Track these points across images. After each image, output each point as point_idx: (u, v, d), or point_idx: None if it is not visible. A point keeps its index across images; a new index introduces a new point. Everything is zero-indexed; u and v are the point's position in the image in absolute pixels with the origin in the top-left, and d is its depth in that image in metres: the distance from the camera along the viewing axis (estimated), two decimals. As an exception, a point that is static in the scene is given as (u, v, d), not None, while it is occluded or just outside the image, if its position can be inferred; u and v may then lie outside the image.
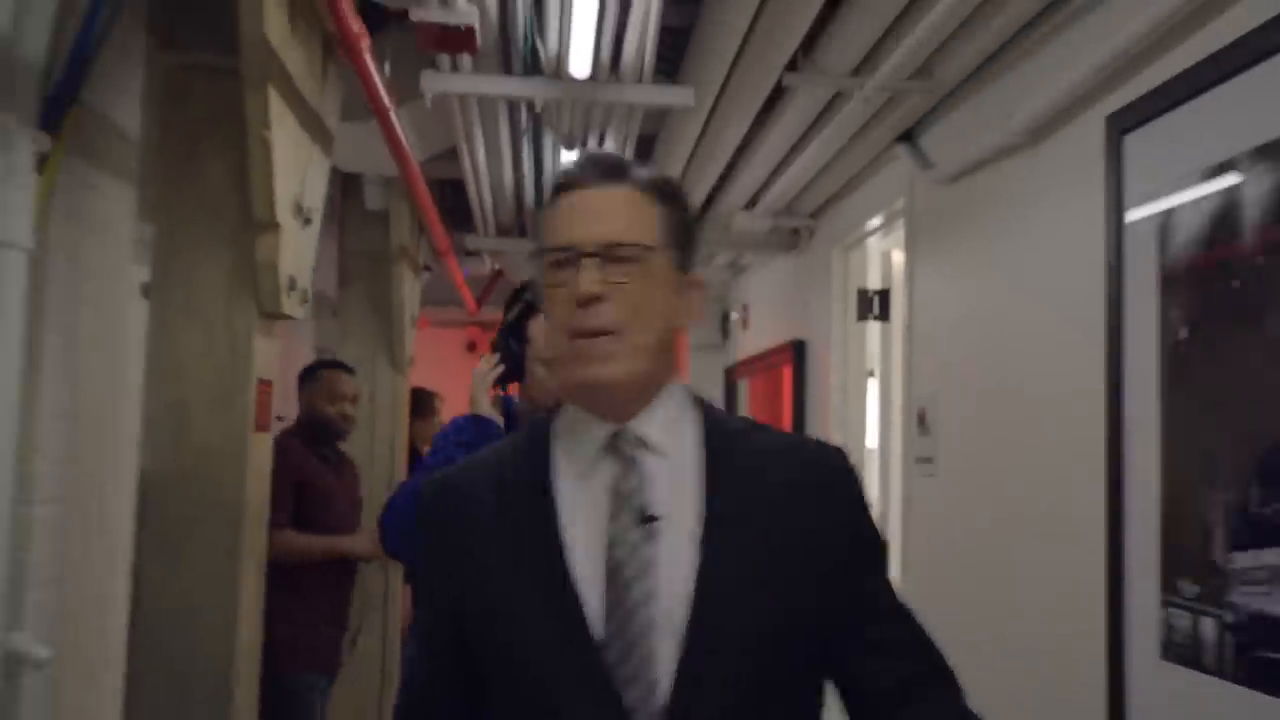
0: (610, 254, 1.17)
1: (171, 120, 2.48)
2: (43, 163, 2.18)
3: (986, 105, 2.78)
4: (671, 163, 3.64)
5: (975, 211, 2.88)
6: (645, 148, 3.78)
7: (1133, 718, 1.98)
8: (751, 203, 4.36)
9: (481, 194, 4.16)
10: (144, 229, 2.74)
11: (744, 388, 6.21)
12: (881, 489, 3.93)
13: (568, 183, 1.23)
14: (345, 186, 4.83)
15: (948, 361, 3.07)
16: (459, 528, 1.21)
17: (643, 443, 1.21)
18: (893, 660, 1.21)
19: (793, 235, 4.77)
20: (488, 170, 3.85)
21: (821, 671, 1.23)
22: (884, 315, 4.10)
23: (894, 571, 3.35)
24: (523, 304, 2.14)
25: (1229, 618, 1.72)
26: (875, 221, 3.81)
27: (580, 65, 2.55)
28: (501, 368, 2.15)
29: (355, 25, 2.14)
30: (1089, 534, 2.13)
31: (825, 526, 1.21)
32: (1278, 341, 1.63)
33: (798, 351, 4.75)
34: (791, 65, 2.84)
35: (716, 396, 6.63)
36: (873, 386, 4.17)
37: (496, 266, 6.00)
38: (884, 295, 4.11)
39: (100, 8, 2.10)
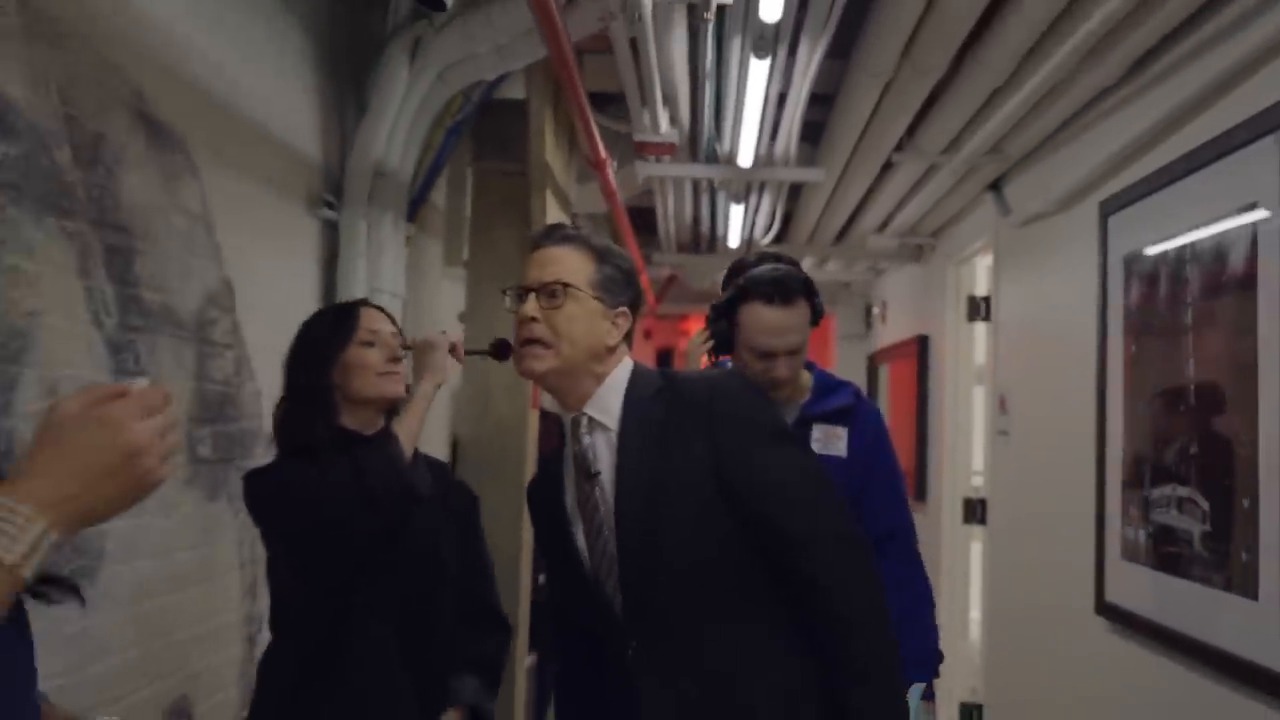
0: (545, 290, 1.63)
1: (479, 204, 3.77)
2: (407, 240, 3.48)
3: (1042, 175, 3.81)
4: (811, 208, 4.77)
5: (1035, 251, 3.91)
6: (793, 194, 4.91)
7: (1108, 595, 3.05)
8: (882, 227, 5.44)
9: (668, 225, 5.38)
10: (450, 273, 4.06)
11: (885, 372, 7.26)
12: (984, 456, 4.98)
13: (535, 244, 1.71)
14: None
15: (1021, 357, 4.12)
16: (533, 498, 1.81)
17: (590, 420, 1.67)
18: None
19: (918, 249, 5.81)
20: (674, 211, 5.06)
21: (753, 557, 1.63)
22: (988, 316, 5.12)
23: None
24: (736, 288, 2.23)
25: (1150, 529, 2.77)
26: (977, 244, 4.84)
27: (745, 158, 3.71)
28: (711, 341, 2.30)
29: (602, 153, 3.35)
30: (1086, 481, 3.19)
31: (698, 437, 1.63)
32: (1175, 356, 2.68)
33: (921, 344, 5.80)
34: (899, 146, 3.93)
35: (860, 378, 7.72)
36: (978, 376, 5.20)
37: (671, 274, 7.21)
38: (989, 301, 5.13)
39: (449, 142, 3.37)
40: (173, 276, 2.24)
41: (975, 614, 4.94)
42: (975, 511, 4.87)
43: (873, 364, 7.50)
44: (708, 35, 2.81)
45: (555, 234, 1.73)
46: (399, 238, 3.34)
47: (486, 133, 3.67)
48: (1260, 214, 2.26)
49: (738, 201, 4.35)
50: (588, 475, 1.67)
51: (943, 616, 4.82)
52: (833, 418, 2.32)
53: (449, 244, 3.98)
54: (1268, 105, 2.24)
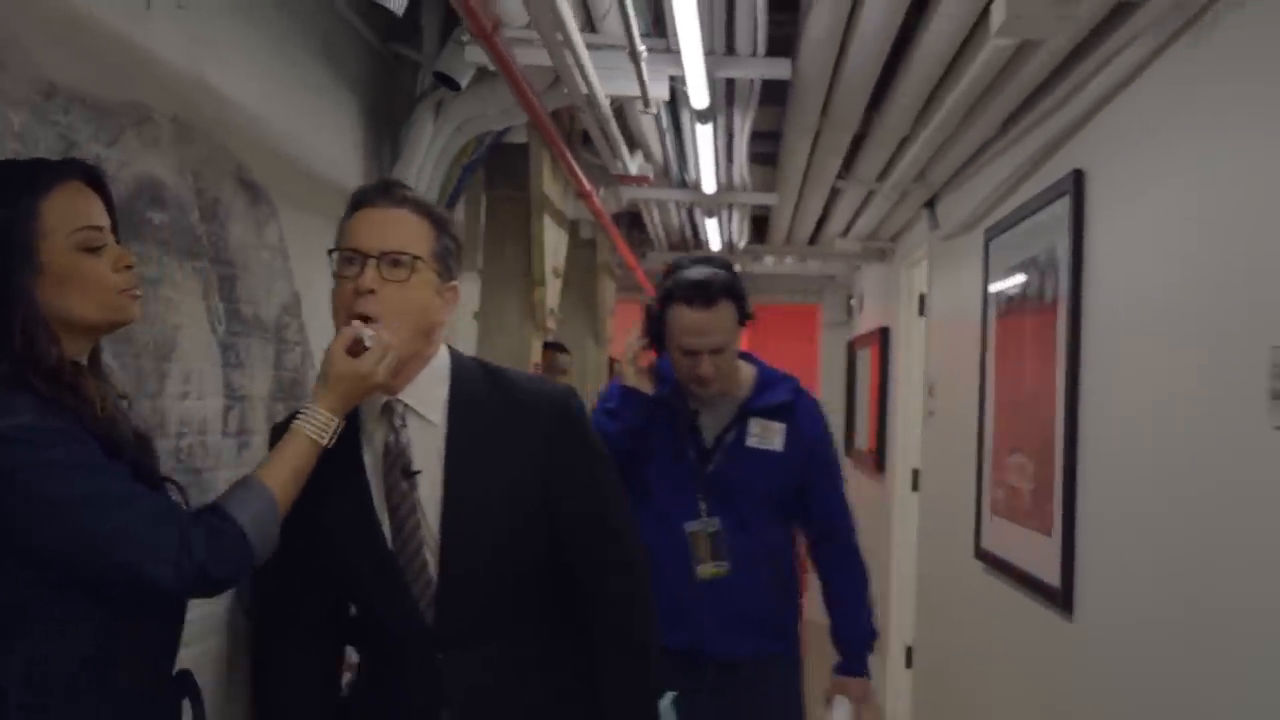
0: (388, 258, 1.55)
1: (491, 223, 4.60)
2: (432, 253, 4.31)
3: (957, 201, 4.58)
4: (781, 217, 5.58)
5: (953, 261, 4.70)
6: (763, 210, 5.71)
7: (983, 543, 3.85)
8: (846, 232, 6.22)
9: (657, 229, 6.21)
10: (468, 277, 4.89)
11: (863, 356, 8.05)
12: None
13: (366, 200, 1.65)
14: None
15: (943, 349, 4.91)
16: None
17: (407, 408, 1.60)
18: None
19: (881, 251, 6.59)
20: (660, 220, 5.88)
21: (557, 569, 1.71)
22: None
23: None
24: (663, 291, 2.34)
25: (1005, 489, 3.57)
26: (920, 252, 5.62)
27: (709, 186, 4.52)
28: (647, 340, 2.38)
29: (586, 186, 4.17)
30: (974, 452, 3.99)
31: (532, 450, 1.63)
32: (1020, 354, 3.47)
33: (884, 335, 6.59)
34: (841, 175, 4.72)
35: (841, 362, 8.52)
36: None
37: (666, 268, 8.02)
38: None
39: (465, 177, 4.19)
40: (260, 294, 3.08)
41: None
42: (919, 481, 5.68)
43: (851, 349, 8.29)
44: (661, 112, 3.61)
45: (394, 193, 1.67)
46: (425, 252, 4.16)
47: (497, 167, 4.49)
48: (1062, 252, 3.04)
49: (710, 216, 5.16)
50: (405, 472, 1.60)
51: (895, 574, 5.67)
52: (771, 413, 2.41)
53: (466, 253, 4.81)
54: (1066, 173, 3.02)
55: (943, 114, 3.49)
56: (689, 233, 6.37)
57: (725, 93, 3.45)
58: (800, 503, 2.46)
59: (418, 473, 1.61)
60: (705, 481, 2.39)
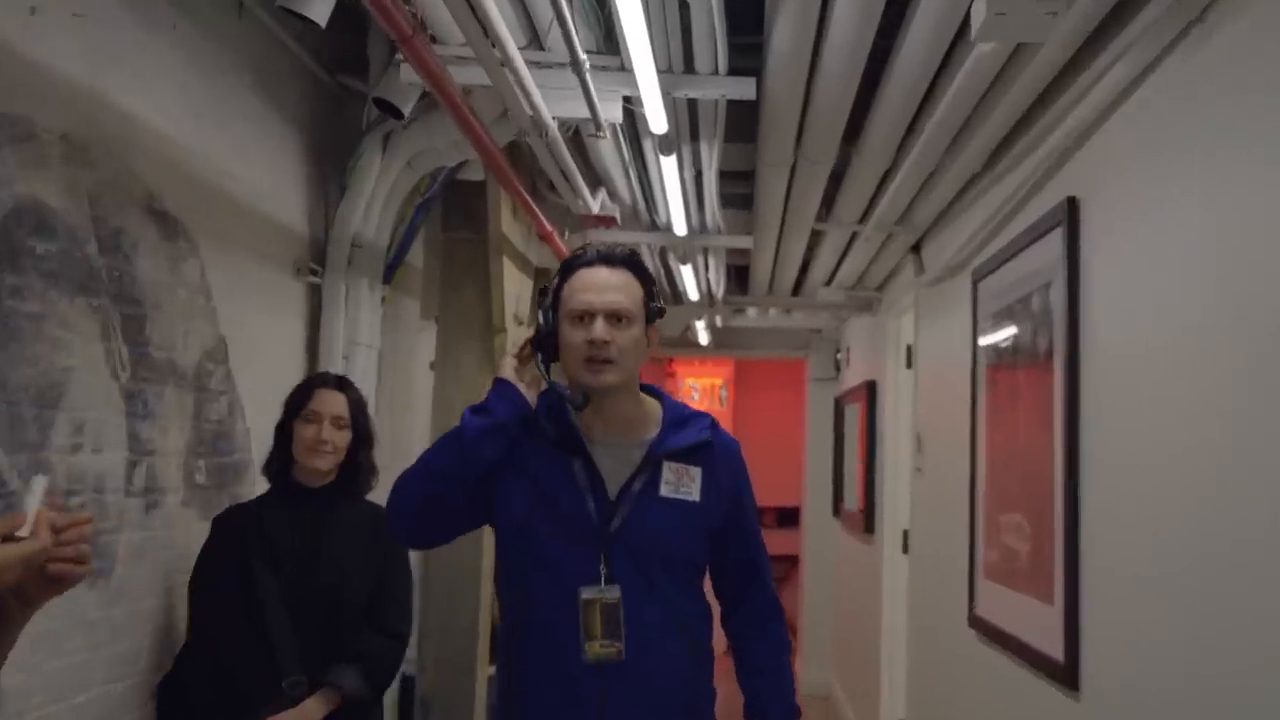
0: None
1: (446, 268, 4.32)
2: (383, 300, 4.03)
3: (943, 243, 4.33)
4: (760, 264, 5.32)
5: (940, 307, 4.44)
6: (743, 251, 5.46)
7: (976, 609, 3.54)
8: (828, 281, 5.97)
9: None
10: (424, 325, 4.61)
11: (851, 412, 7.76)
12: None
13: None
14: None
15: (931, 401, 4.63)
16: None
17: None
18: None
19: (867, 301, 6.33)
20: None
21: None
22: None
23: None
24: (556, 274, 2.07)
25: (999, 551, 3.27)
26: (907, 299, 5.36)
27: (679, 228, 4.26)
28: (538, 354, 2.01)
29: (549, 227, 3.91)
30: (964, 510, 3.69)
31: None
32: (1012, 407, 3.18)
33: (870, 389, 6.30)
34: (820, 218, 4.46)
35: (828, 419, 8.23)
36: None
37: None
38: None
39: (419, 217, 3.93)
40: (175, 337, 2.79)
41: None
42: (908, 542, 5.36)
43: (839, 405, 8.00)
44: (620, 141, 3.36)
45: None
46: (375, 298, 3.89)
47: (454, 206, 4.23)
48: (1056, 292, 2.77)
49: (685, 262, 4.89)
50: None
51: (885, 642, 5.34)
52: (685, 455, 2.03)
53: (425, 301, 4.53)
54: (1058, 202, 2.76)
55: (923, 142, 3.24)
56: (663, 281, 6.10)
57: (689, 119, 3.21)
58: (715, 553, 2.07)
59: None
60: (609, 539, 1.97)
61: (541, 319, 2.03)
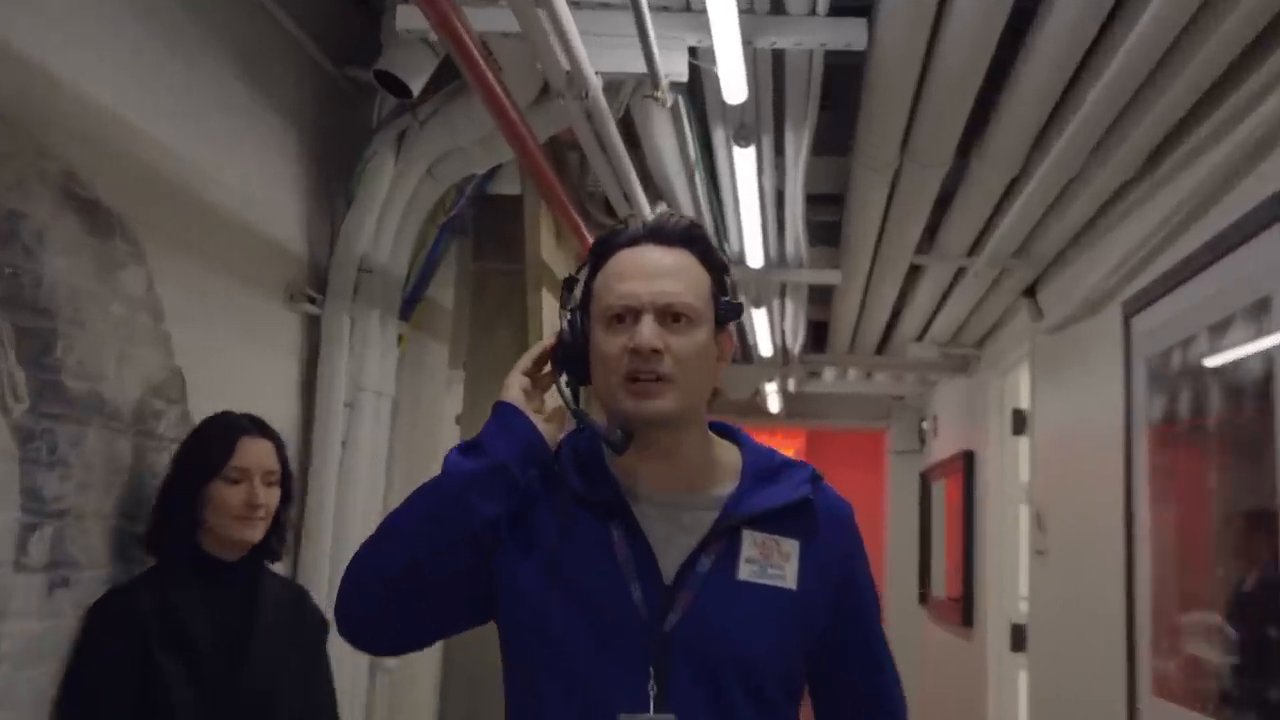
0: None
1: (477, 304, 3.67)
2: (400, 339, 3.39)
3: (1072, 277, 3.60)
4: (843, 313, 4.60)
5: (1067, 358, 3.68)
6: (824, 298, 4.75)
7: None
8: (921, 335, 5.23)
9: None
10: (454, 374, 3.96)
11: (939, 489, 6.95)
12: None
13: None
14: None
15: (1056, 472, 3.85)
16: None
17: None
18: None
19: (963, 361, 5.58)
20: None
21: None
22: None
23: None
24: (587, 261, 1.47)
25: (1180, 661, 2.48)
26: (1017, 354, 4.61)
27: (755, 258, 3.57)
28: (561, 372, 1.42)
29: (599, 249, 3.26)
30: (1117, 606, 2.91)
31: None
32: (1200, 472, 2.43)
33: (967, 460, 5.52)
34: (921, 248, 3.76)
35: (912, 496, 7.42)
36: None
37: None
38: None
39: (441, 243, 3.30)
40: (104, 362, 2.15)
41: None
42: (1022, 639, 4.54)
43: (925, 481, 7.20)
44: (684, 126, 2.69)
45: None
46: (389, 336, 3.25)
47: (487, 230, 3.59)
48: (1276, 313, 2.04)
49: (758, 305, 4.20)
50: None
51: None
52: (776, 521, 1.41)
53: (454, 346, 3.88)
54: (1264, 197, 2.05)
55: (1066, 139, 2.54)
56: (735, 336, 5.41)
57: (772, 92, 2.50)
58: (820, 674, 1.44)
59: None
60: (663, 643, 1.33)
61: (565, 323, 1.40)
